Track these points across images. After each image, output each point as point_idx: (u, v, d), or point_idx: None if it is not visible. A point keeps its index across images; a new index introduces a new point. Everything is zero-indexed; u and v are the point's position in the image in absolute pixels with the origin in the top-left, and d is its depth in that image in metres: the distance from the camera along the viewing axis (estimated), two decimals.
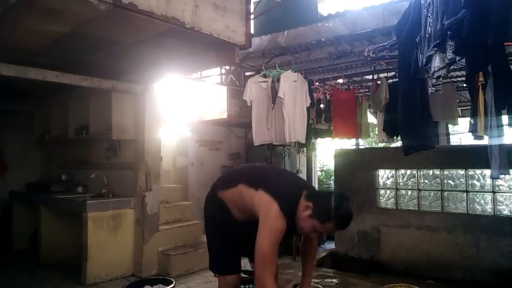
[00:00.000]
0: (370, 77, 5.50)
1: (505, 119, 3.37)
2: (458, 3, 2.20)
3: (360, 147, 7.54)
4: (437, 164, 4.31)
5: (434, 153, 4.09)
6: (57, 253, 4.99)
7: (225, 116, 6.37)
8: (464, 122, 6.54)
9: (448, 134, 6.35)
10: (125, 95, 4.69)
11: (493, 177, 3.61)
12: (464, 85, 5.30)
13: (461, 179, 4.20)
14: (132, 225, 4.60)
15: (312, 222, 2.10)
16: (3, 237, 5.71)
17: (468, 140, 6.77)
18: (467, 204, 4.13)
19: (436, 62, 2.54)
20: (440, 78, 2.79)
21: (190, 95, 6.67)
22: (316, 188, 9.35)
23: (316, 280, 4.09)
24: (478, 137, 3.42)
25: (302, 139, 4.47)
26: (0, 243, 5.68)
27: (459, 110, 6.24)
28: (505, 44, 2.68)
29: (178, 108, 6.53)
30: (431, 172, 4.39)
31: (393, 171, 4.65)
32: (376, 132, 5.42)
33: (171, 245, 4.78)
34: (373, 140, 9.74)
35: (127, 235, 4.55)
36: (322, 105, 5.65)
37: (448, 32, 2.33)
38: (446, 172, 4.29)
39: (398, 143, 5.28)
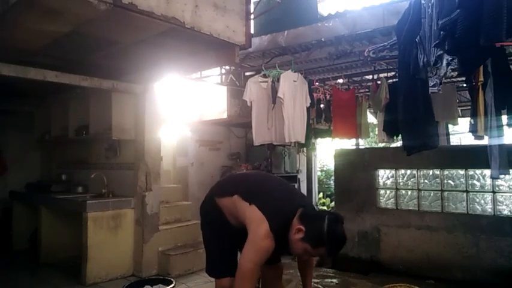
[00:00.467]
0: (370, 77, 5.50)
1: (505, 119, 3.37)
2: (453, 3, 2.21)
3: (360, 147, 7.55)
4: (437, 164, 4.31)
5: (434, 153, 4.09)
6: (57, 253, 4.99)
7: (225, 116, 6.37)
8: (464, 122, 6.54)
9: (448, 134, 6.37)
10: (125, 95, 4.69)
11: (493, 177, 3.61)
12: (464, 85, 5.30)
13: (461, 179, 4.20)
14: (132, 225, 4.60)
15: (304, 245, 2.05)
16: (3, 237, 5.71)
17: (468, 140, 6.78)
18: (467, 204, 4.13)
19: (446, 62, 2.54)
20: (443, 78, 2.79)
21: (190, 95, 6.67)
22: (316, 188, 9.40)
23: (316, 280, 4.09)
24: (478, 137, 3.42)
25: (302, 139, 4.47)
26: (0, 243, 5.68)
27: (459, 110, 6.24)
28: (505, 44, 2.68)
29: (178, 108, 6.53)
30: (431, 172, 4.39)
31: (393, 171, 4.65)
32: (376, 132, 5.42)
33: (171, 245, 4.78)
34: (373, 140, 9.75)
35: (127, 235, 4.55)
36: (322, 105, 5.65)
37: (441, 32, 2.34)
38: (446, 172, 4.30)
39: (398, 143, 5.29)
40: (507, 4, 1.97)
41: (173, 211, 5.17)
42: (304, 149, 7.37)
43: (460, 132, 9.32)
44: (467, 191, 4.15)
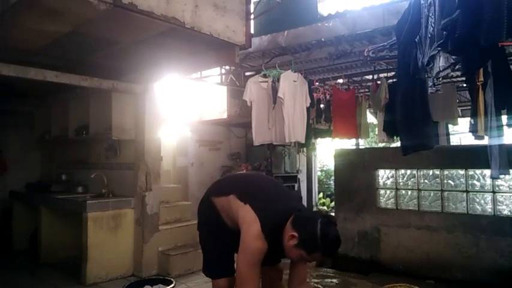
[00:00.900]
0: (370, 77, 5.50)
1: (505, 119, 3.37)
2: (453, 3, 2.21)
3: (360, 147, 7.55)
4: (437, 164, 4.31)
5: (434, 153, 4.09)
6: (57, 253, 4.99)
7: (225, 116, 6.38)
8: (464, 122, 6.54)
9: (448, 134, 6.35)
10: (125, 95, 4.69)
11: (493, 177, 3.61)
12: (464, 85, 5.30)
13: (461, 179, 4.19)
14: (132, 225, 4.60)
15: (299, 252, 2.02)
16: (3, 237, 5.71)
17: (468, 140, 6.78)
18: (467, 204, 4.13)
19: (441, 62, 2.54)
20: (440, 78, 2.79)
21: (190, 95, 6.68)
22: (316, 188, 9.40)
23: (316, 280, 4.09)
24: (478, 137, 3.42)
25: (302, 139, 4.47)
26: (0, 243, 5.68)
27: (459, 110, 6.24)
28: (505, 44, 2.68)
29: (178, 108, 6.53)
30: (431, 172, 4.39)
31: (393, 171, 4.65)
32: (376, 132, 5.43)
33: (171, 245, 4.78)
34: (373, 140, 9.75)
35: (127, 235, 4.55)
36: (322, 105, 5.65)
37: (444, 32, 2.34)
38: (446, 172, 4.29)
39: (398, 143, 5.29)
40: (507, 4, 1.97)
41: (173, 211, 5.17)
42: (304, 149, 7.37)
43: (460, 132, 9.31)
44: (467, 191, 4.15)
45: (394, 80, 5.02)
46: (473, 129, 3.40)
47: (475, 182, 4.12)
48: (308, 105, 4.56)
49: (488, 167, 3.47)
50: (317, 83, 5.45)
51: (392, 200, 4.64)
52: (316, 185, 9.50)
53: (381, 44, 3.81)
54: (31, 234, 5.52)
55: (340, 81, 5.73)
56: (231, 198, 2.26)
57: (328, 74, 5.74)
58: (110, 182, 4.84)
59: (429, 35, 2.60)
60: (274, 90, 4.36)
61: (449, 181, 4.27)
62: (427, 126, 3.34)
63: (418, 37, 2.82)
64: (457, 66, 2.61)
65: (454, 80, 5.49)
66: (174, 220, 5.11)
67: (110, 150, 5.07)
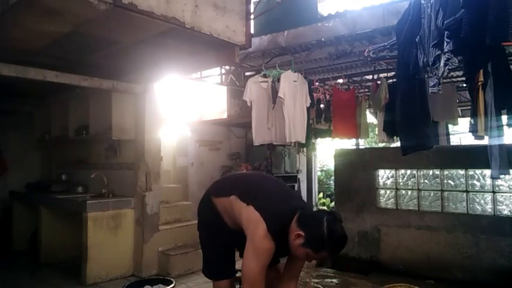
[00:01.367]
0: (370, 77, 5.50)
1: (505, 119, 3.37)
2: (457, 3, 2.21)
3: (360, 147, 7.55)
4: (437, 164, 4.30)
5: (434, 153, 4.09)
6: (57, 253, 4.99)
7: (225, 116, 6.38)
8: (464, 122, 6.55)
9: (448, 134, 6.36)
10: (125, 95, 4.69)
11: (493, 177, 3.61)
12: (464, 85, 5.31)
13: (461, 179, 4.19)
14: (132, 225, 4.60)
15: (306, 250, 2.00)
16: (3, 237, 5.71)
17: (468, 140, 6.79)
18: (467, 204, 4.13)
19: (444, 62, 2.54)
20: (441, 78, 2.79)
21: (190, 95, 6.68)
22: (316, 188, 9.40)
23: (316, 280, 4.09)
24: (478, 137, 3.42)
25: (302, 139, 4.47)
26: (0, 243, 5.68)
27: (459, 110, 6.24)
28: (505, 44, 2.68)
29: (178, 108, 6.53)
30: (431, 172, 4.39)
31: (393, 171, 4.65)
32: (376, 132, 5.43)
33: (171, 245, 4.78)
34: (373, 140, 9.76)
35: (127, 235, 4.55)
36: (322, 105, 5.65)
37: (446, 32, 2.33)
38: (446, 172, 4.29)
39: (398, 143, 5.29)
40: None
41: (173, 211, 5.17)
42: (304, 149, 7.37)
43: (460, 132, 9.32)
44: (467, 191, 4.15)
45: (394, 80, 5.03)
46: (473, 129, 3.40)
47: (475, 182, 4.12)
48: (308, 105, 4.56)
49: (488, 167, 3.47)
50: (317, 83, 5.45)
51: (392, 200, 4.63)
52: (316, 185, 9.50)
53: (381, 44, 3.81)
54: (31, 234, 5.52)
55: (340, 81, 5.73)
56: (232, 199, 2.23)
57: (328, 74, 5.75)
58: (110, 182, 4.84)
59: (432, 35, 2.60)
60: (274, 90, 4.36)
61: (449, 181, 4.27)
62: (427, 126, 3.34)
63: (418, 37, 2.82)
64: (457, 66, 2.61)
65: (454, 80, 5.49)
66: (174, 220, 5.11)
67: (110, 150, 5.07)
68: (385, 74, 5.36)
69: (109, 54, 3.62)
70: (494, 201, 3.99)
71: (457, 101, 5.96)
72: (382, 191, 4.73)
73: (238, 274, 2.59)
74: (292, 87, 4.39)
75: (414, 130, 3.24)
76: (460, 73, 5.11)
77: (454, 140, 9.33)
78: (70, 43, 3.25)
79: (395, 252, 4.48)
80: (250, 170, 6.90)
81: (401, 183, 4.59)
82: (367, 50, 3.94)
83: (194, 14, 2.97)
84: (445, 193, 4.27)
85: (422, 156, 3.91)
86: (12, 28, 2.87)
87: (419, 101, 3.18)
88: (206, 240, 2.47)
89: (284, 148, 7.42)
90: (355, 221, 4.78)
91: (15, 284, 4.25)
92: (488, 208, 4.02)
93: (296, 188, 7.97)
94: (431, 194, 4.36)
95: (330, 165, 9.67)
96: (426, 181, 4.41)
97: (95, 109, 4.98)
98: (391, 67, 4.98)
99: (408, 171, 4.54)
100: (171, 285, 3.60)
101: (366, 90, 5.90)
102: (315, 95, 5.19)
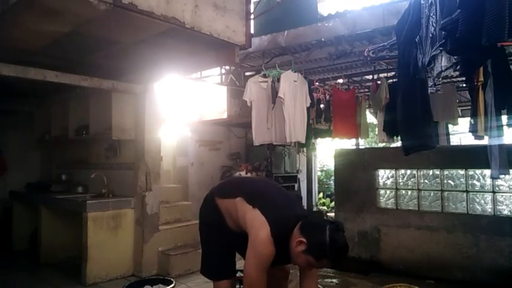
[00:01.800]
0: (370, 77, 5.50)
1: (505, 119, 3.37)
2: (454, 3, 2.21)
3: (360, 147, 7.55)
4: (437, 164, 4.31)
5: (434, 153, 4.09)
6: (57, 253, 4.99)
7: (225, 116, 6.38)
8: (464, 122, 6.55)
9: (448, 134, 6.36)
10: (125, 95, 4.69)
11: (493, 177, 3.61)
12: (464, 85, 5.30)
13: (461, 179, 4.19)
14: (132, 225, 4.60)
15: (307, 258, 2.03)
16: (3, 237, 5.71)
17: (468, 140, 6.78)
18: (467, 204, 4.13)
19: (443, 62, 2.55)
20: (440, 78, 2.79)
21: (190, 95, 6.68)
22: (316, 188, 9.40)
23: None
24: (478, 137, 3.42)
25: (302, 139, 4.47)
26: (0, 243, 5.68)
27: (459, 110, 6.24)
28: (505, 44, 2.68)
29: (178, 108, 6.53)
30: (431, 172, 4.39)
31: (393, 171, 4.65)
32: (376, 132, 5.42)
33: (171, 245, 4.78)
34: (373, 140, 9.76)
35: (127, 235, 4.55)
36: (322, 105, 5.65)
37: (443, 32, 2.34)
38: (446, 172, 4.29)
39: (398, 143, 5.29)
40: (509, 3, 1.97)
41: (173, 211, 5.17)
42: (304, 149, 7.37)
43: (460, 132, 9.32)
44: (467, 191, 4.15)
45: (394, 80, 5.03)
46: (473, 129, 3.40)
47: (475, 182, 4.12)
48: (308, 105, 4.56)
49: (488, 167, 3.47)
50: (317, 83, 5.45)
51: (392, 200, 4.64)
52: (316, 185, 9.51)
53: (381, 44, 3.81)
54: (31, 234, 5.52)
55: (340, 81, 5.73)
56: (237, 201, 2.25)
57: (328, 74, 5.75)
58: (110, 182, 4.84)
59: (430, 35, 2.60)
60: (274, 90, 4.36)
61: (449, 181, 4.27)
62: (429, 126, 3.33)
63: (418, 37, 2.82)
64: (457, 66, 2.61)
65: (454, 80, 5.48)
66: (174, 220, 5.11)
67: (110, 150, 5.07)
68: (385, 74, 5.36)
69: (109, 54, 3.62)
70: (494, 201, 3.99)
71: (457, 101, 5.96)
72: (382, 191, 4.73)
73: (238, 274, 2.60)
74: (292, 87, 4.39)
75: (416, 130, 3.23)
76: (460, 73, 5.10)
77: (454, 140, 9.33)
78: (70, 43, 3.25)
79: (395, 252, 4.48)
80: (250, 170, 6.92)
81: (401, 183, 4.59)
82: (367, 50, 3.94)
83: (194, 14, 2.97)
84: (445, 193, 4.27)
85: (423, 156, 3.91)
86: (12, 28, 2.87)
87: (420, 101, 3.18)
88: (207, 240, 2.48)
89: (284, 148, 7.42)
90: (355, 221, 4.78)
91: (15, 284, 4.25)
92: (488, 208, 4.02)
93: (296, 188, 7.97)
94: (431, 194, 4.36)
95: (330, 165, 9.67)
96: (426, 181, 4.41)
97: (95, 109, 4.98)
98: (391, 67, 4.98)
99: (408, 171, 4.54)
100: (171, 285, 3.61)
101: (366, 90, 5.90)
102: (315, 95, 5.19)
